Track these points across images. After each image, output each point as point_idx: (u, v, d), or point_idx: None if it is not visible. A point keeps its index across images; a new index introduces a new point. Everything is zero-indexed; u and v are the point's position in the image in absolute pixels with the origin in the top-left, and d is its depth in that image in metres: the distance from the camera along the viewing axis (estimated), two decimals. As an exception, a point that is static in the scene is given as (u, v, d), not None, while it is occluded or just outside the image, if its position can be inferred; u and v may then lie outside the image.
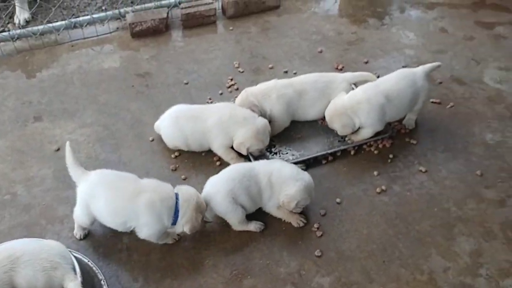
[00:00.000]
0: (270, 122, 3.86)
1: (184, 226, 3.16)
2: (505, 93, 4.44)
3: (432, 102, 4.29)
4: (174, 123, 3.81)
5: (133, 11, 5.12)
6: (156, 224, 3.13)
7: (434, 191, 3.62)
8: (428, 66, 3.94)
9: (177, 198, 3.16)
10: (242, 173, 3.32)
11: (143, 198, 3.08)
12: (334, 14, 5.45)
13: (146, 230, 3.15)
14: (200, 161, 3.81)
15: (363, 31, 5.16)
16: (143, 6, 5.20)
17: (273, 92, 3.94)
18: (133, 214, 3.09)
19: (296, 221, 3.40)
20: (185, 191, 3.24)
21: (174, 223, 3.17)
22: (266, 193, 3.34)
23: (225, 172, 3.39)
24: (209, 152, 3.84)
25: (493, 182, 3.69)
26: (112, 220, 3.15)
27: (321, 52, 4.87)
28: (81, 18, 5.12)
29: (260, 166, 3.42)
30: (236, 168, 3.41)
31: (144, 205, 3.07)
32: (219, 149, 3.80)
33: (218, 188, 3.30)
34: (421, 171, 3.75)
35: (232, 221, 3.34)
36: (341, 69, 4.60)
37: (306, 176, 3.36)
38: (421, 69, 3.91)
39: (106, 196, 3.10)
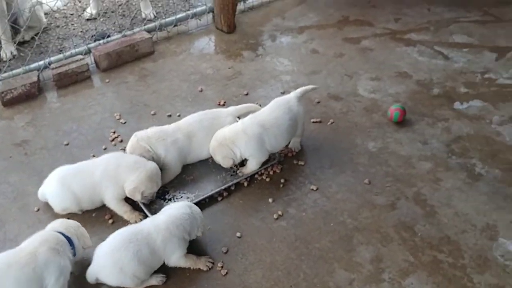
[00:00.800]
0: (161, 170, 3.78)
1: (83, 246, 3.26)
2: (379, 101, 4.68)
3: (313, 122, 4.43)
4: (61, 184, 3.63)
5: (1, 80, 4.89)
6: (67, 265, 3.05)
7: (328, 207, 3.71)
8: (299, 90, 4.04)
9: (59, 232, 3.16)
10: (128, 239, 3.11)
11: (42, 257, 2.97)
12: (210, 52, 5.52)
13: (62, 280, 3.02)
14: (91, 222, 3.64)
15: (239, 65, 5.27)
16: (11, 73, 4.98)
17: (168, 136, 3.89)
18: (41, 277, 2.96)
19: (204, 265, 3.31)
20: (57, 223, 3.27)
21: (75, 253, 3.17)
22: (167, 249, 3.18)
23: (109, 242, 3.17)
24: (100, 211, 3.70)
25: (382, 188, 3.84)
26: None
27: (201, 91, 4.90)
28: None
29: (147, 225, 3.24)
30: (119, 236, 3.17)
31: (49, 261, 2.98)
32: (111, 202, 3.64)
33: (103, 263, 3.12)
34: (312, 189, 3.83)
35: (130, 287, 3.19)
36: (223, 105, 4.64)
37: (192, 206, 3.35)
38: (293, 95, 4.01)
39: (4, 281, 2.91)
